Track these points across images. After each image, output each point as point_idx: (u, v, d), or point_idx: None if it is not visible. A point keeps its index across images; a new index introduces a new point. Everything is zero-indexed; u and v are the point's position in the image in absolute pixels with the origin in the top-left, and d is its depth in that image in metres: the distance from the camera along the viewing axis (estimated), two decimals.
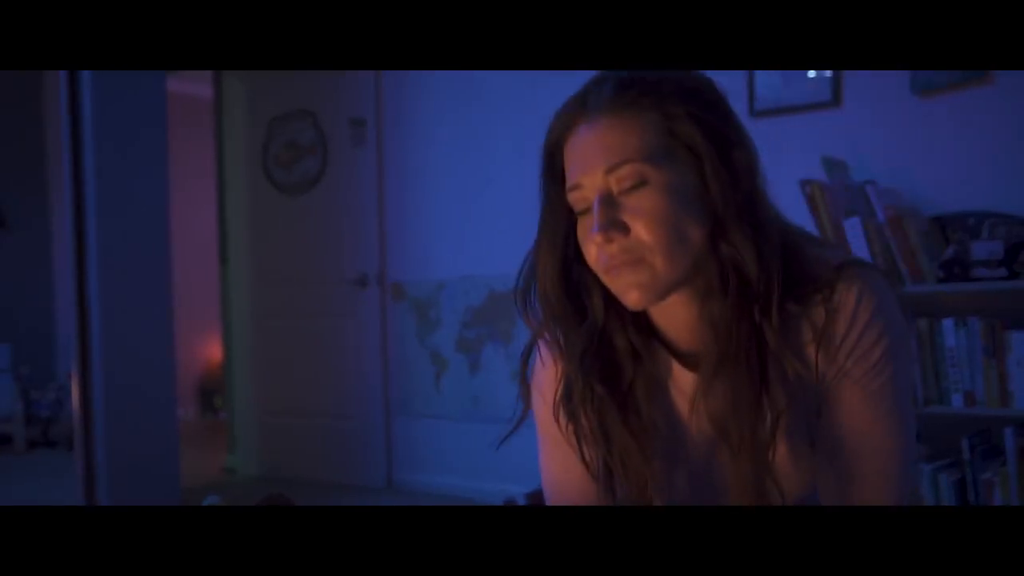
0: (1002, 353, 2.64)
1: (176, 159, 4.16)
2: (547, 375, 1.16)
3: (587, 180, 1.02)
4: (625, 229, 1.00)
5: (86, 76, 3.55)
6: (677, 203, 0.99)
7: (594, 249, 1.03)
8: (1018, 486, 2.59)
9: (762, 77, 3.42)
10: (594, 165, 1.01)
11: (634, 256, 1.00)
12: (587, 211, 1.03)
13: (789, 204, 3.31)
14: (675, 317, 1.08)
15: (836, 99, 3.29)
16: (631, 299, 1.02)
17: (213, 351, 7.36)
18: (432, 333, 4.48)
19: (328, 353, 4.88)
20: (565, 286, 1.08)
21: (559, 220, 1.08)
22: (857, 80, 3.26)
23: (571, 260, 1.08)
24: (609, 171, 1.00)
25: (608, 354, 1.09)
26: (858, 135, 3.23)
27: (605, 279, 1.04)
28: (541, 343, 1.16)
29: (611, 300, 1.07)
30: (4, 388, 6.57)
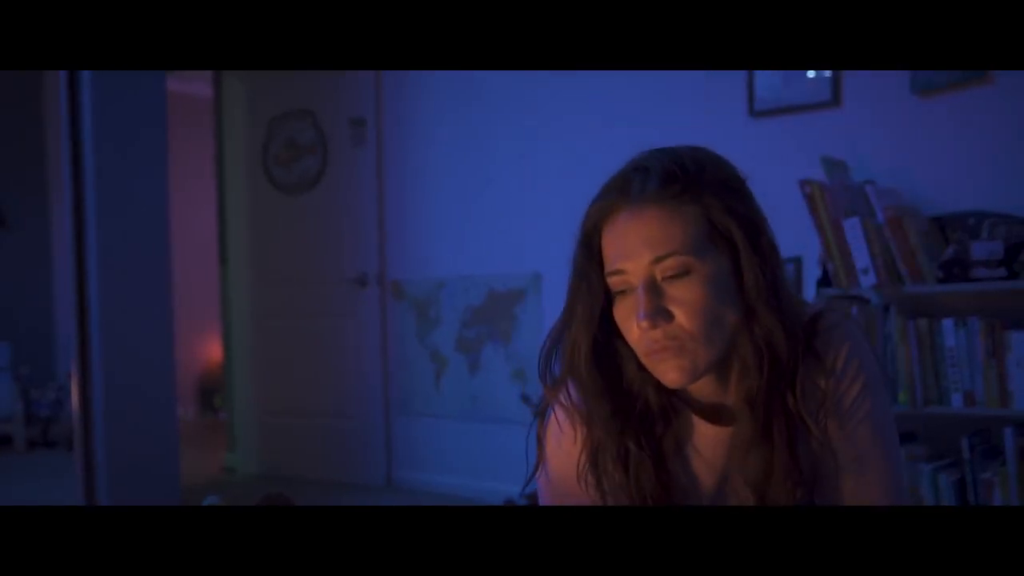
0: (1002, 353, 2.64)
1: (176, 159, 4.16)
2: (565, 439, 1.19)
3: (631, 266, 1.08)
4: (669, 316, 1.07)
5: (86, 76, 3.54)
6: (716, 292, 1.07)
7: (637, 332, 1.09)
8: (1018, 486, 2.60)
9: (762, 77, 3.42)
10: (640, 254, 1.07)
11: (677, 343, 1.07)
12: (626, 292, 1.09)
13: (789, 204, 3.32)
14: (700, 390, 1.15)
15: (836, 99, 3.29)
16: (671, 379, 1.09)
17: (213, 350, 7.35)
18: (432, 332, 4.48)
19: (328, 352, 4.88)
20: (595, 361, 1.14)
21: (595, 299, 1.13)
22: (857, 80, 3.26)
23: (602, 334, 1.14)
24: (656, 261, 1.06)
25: (640, 414, 1.15)
26: (858, 135, 3.23)
27: (646, 361, 1.10)
28: (559, 409, 1.19)
29: (642, 366, 1.13)
30: (4, 388, 6.57)
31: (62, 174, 3.64)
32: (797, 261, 3.33)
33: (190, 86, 6.46)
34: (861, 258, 2.79)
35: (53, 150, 7.04)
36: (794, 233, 3.15)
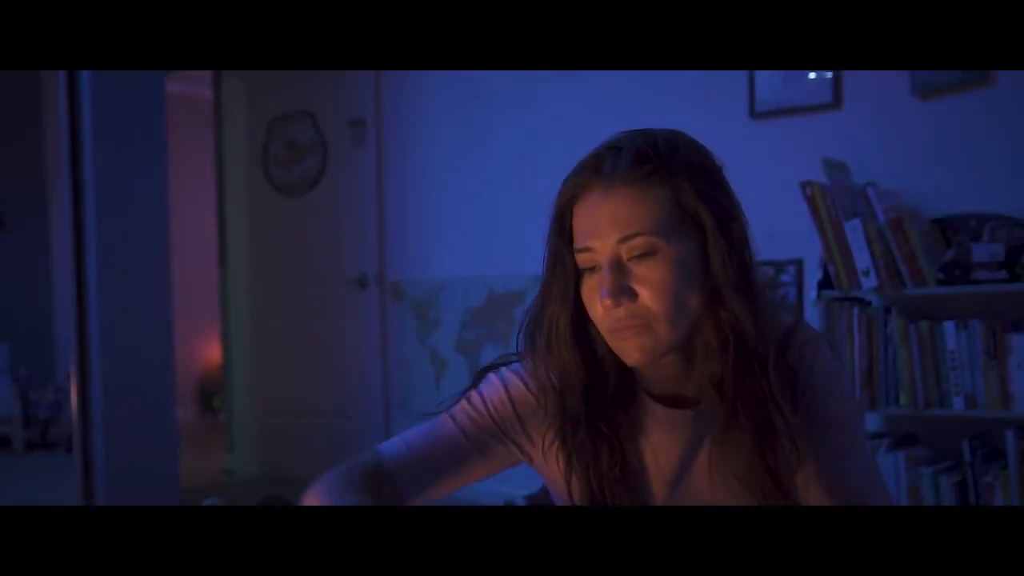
0: (1003, 355, 2.64)
1: (176, 159, 4.15)
2: (520, 397, 1.21)
3: (599, 244, 1.08)
4: (633, 295, 1.07)
5: (85, 76, 3.54)
6: (681, 274, 1.07)
7: (601, 310, 1.09)
8: (1019, 489, 2.59)
9: (762, 78, 3.42)
10: (608, 233, 1.07)
11: (640, 321, 1.07)
12: (593, 270, 1.10)
13: (790, 206, 3.31)
14: (664, 371, 1.15)
15: (837, 100, 3.29)
16: (632, 359, 1.10)
17: (212, 351, 7.35)
18: (432, 333, 4.47)
19: (328, 353, 4.88)
20: (575, 338, 1.14)
21: (568, 276, 1.14)
22: (858, 81, 3.25)
23: (577, 312, 1.14)
24: (622, 240, 1.07)
25: (606, 396, 1.16)
26: (859, 136, 3.22)
27: (608, 338, 1.11)
28: (526, 374, 1.21)
29: (609, 348, 1.14)
30: (3, 389, 6.56)
31: (61, 175, 3.63)
32: (798, 263, 3.33)
33: (190, 87, 6.45)
34: (862, 260, 2.79)
35: (52, 151, 7.04)
36: (795, 235, 3.15)
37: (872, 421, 3.09)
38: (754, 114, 3.45)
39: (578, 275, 1.13)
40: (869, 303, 2.88)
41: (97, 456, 3.52)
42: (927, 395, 2.74)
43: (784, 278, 3.36)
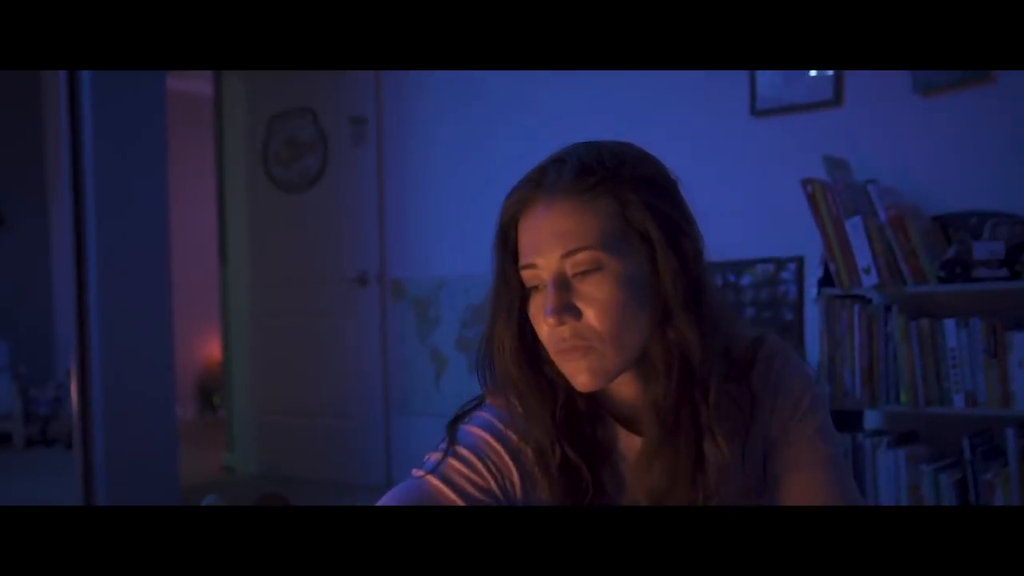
0: (1003, 353, 2.64)
1: (176, 157, 4.15)
2: (498, 440, 1.11)
3: (542, 261, 1.03)
4: (577, 314, 1.02)
5: (85, 75, 3.54)
6: (628, 291, 1.02)
7: (546, 329, 1.04)
8: (1019, 487, 2.59)
9: (763, 76, 3.42)
10: (551, 248, 1.03)
11: (585, 343, 1.02)
12: (538, 287, 1.05)
13: (791, 204, 3.31)
14: (620, 393, 1.10)
15: (838, 98, 3.28)
16: (580, 382, 1.04)
17: (212, 349, 7.35)
18: (432, 331, 4.47)
19: (328, 352, 4.88)
20: (525, 359, 1.09)
21: (513, 295, 1.09)
22: (858, 79, 3.25)
23: (528, 332, 1.09)
24: (565, 255, 1.02)
25: (569, 417, 1.10)
26: (860, 134, 3.22)
27: (555, 359, 1.06)
28: (494, 417, 1.13)
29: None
30: (3, 386, 6.57)
31: (61, 173, 3.63)
32: (799, 261, 3.33)
33: (190, 84, 6.45)
34: (863, 257, 2.78)
35: (52, 149, 7.04)
36: (796, 233, 3.15)
37: (872, 419, 3.10)
38: (755, 112, 3.45)
39: (524, 293, 1.08)
40: (870, 301, 2.88)
41: (97, 453, 3.52)
42: (927, 393, 2.73)
43: (784, 275, 3.36)
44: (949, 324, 2.70)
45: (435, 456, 1.12)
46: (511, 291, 1.09)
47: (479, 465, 1.10)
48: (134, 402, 3.63)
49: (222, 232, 5.34)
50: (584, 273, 1.02)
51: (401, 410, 4.59)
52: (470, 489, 1.09)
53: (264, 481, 4.91)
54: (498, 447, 1.11)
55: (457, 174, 4.38)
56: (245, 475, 5.14)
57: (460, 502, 1.08)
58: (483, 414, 1.14)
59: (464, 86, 4.30)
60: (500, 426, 1.12)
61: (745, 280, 3.43)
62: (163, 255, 3.78)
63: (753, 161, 3.45)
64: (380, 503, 1.10)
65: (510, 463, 1.11)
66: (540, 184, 1.05)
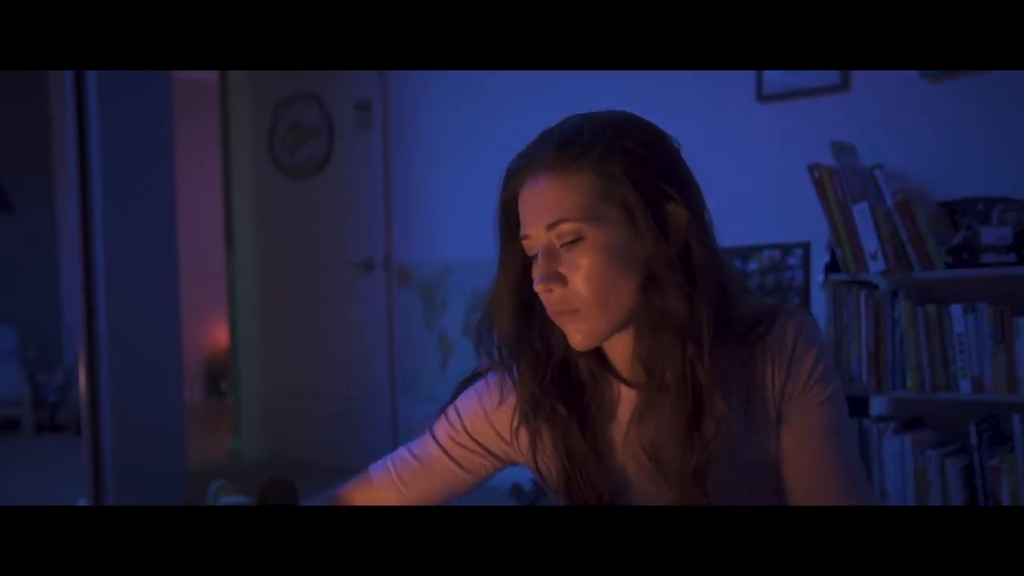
0: (1010, 339, 2.63)
1: (182, 142, 4.15)
2: (490, 400, 1.25)
3: (533, 232, 1.12)
4: (563, 280, 1.09)
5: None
6: (611, 258, 1.08)
7: (542, 295, 1.12)
8: None
9: None
10: (538, 220, 1.11)
11: (571, 306, 1.09)
12: (535, 256, 1.13)
13: (798, 189, 3.29)
14: (621, 349, 1.16)
15: (845, 83, 3.27)
16: (575, 342, 1.12)
17: (219, 335, 7.37)
18: (438, 316, 4.48)
19: (334, 337, 4.89)
20: (523, 321, 1.18)
21: (515, 262, 1.18)
22: None
23: (528, 298, 1.17)
24: (549, 227, 1.09)
25: (568, 377, 1.18)
26: (867, 119, 3.21)
27: (555, 321, 1.14)
28: (492, 377, 1.25)
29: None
30: (11, 372, 6.59)
31: (67, 156, 3.63)
32: (805, 246, 3.32)
33: (196, 71, 6.44)
34: (870, 243, 2.78)
35: (58, 134, 7.05)
36: (803, 218, 3.14)
37: (879, 404, 3.09)
38: (762, 97, 3.44)
39: (526, 261, 1.16)
40: (876, 286, 2.87)
41: (105, 439, 3.53)
42: (934, 378, 2.73)
43: (791, 261, 3.36)
44: (956, 310, 2.70)
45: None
46: (513, 259, 1.18)
47: (456, 419, 1.27)
48: (142, 388, 3.64)
49: (228, 217, 5.35)
50: (569, 243, 1.09)
51: (408, 395, 4.60)
52: (445, 438, 1.28)
53: (271, 465, 4.93)
54: (477, 406, 1.26)
55: (463, 159, 4.37)
56: (252, 459, 5.16)
57: (437, 448, 1.27)
58: (483, 380, 1.27)
59: (469, 71, 4.29)
60: (490, 385, 1.25)
61: (751, 266, 3.43)
62: (170, 240, 3.79)
63: (760, 146, 3.44)
64: (395, 455, 1.32)
65: (487, 422, 1.25)
66: (531, 159, 1.13)
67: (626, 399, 1.18)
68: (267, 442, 5.16)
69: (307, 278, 4.99)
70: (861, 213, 2.78)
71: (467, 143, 4.36)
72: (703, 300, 1.08)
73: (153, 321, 3.71)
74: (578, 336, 1.10)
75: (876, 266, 2.78)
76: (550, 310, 1.11)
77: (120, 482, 3.53)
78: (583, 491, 1.16)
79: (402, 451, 1.31)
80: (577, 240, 1.08)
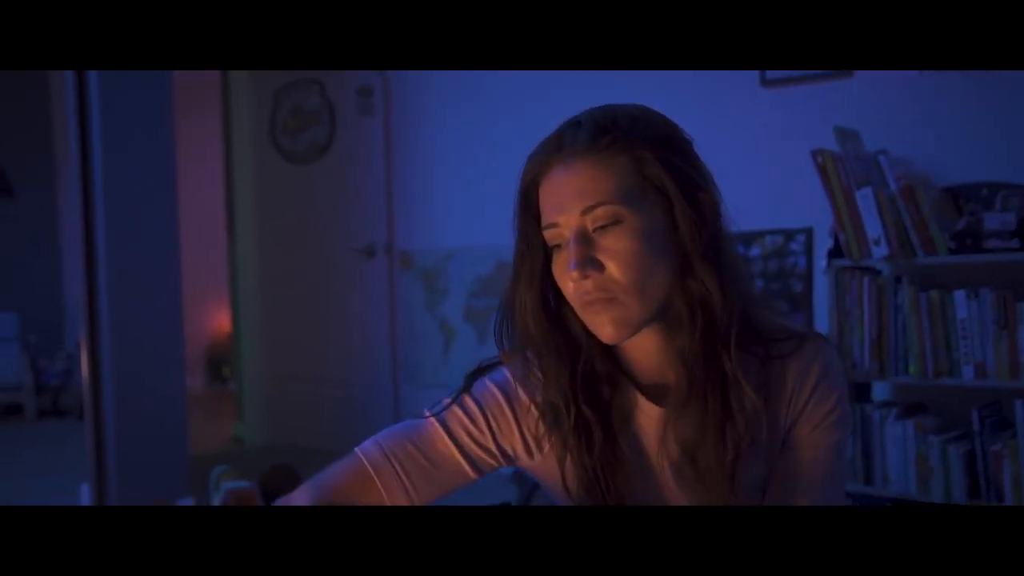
0: (1013, 325, 2.63)
1: (183, 128, 4.14)
2: (518, 404, 1.17)
3: (563, 219, 1.07)
4: (600, 266, 1.06)
5: None
6: (648, 243, 1.06)
7: (571, 285, 1.08)
8: None
9: None
10: (572, 206, 1.07)
11: (608, 294, 1.06)
12: (561, 246, 1.09)
13: (801, 174, 3.28)
14: (644, 349, 1.14)
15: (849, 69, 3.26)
16: (606, 334, 1.08)
17: (221, 320, 7.37)
18: (440, 302, 4.48)
19: (336, 323, 4.89)
20: (546, 317, 1.14)
21: (536, 255, 1.13)
22: None
23: (549, 293, 1.14)
24: (585, 212, 1.06)
25: (588, 378, 1.14)
26: (871, 105, 3.20)
27: (581, 314, 1.10)
28: (510, 375, 1.18)
29: (588, 329, 1.12)
30: (13, 357, 6.60)
31: (69, 142, 3.63)
32: (809, 232, 3.31)
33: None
34: (873, 228, 2.77)
35: (59, 119, 7.03)
36: (806, 203, 3.13)
37: (881, 390, 3.09)
38: (765, 82, 3.43)
39: (547, 254, 1.12)
40: (880, 272, 2.87)
41: (108, 424, 3.54)
42: (937, 364, 2.73)
43: (794, 247, 3.35)
44: (959, 295, 2.69)
45: (446, 401, 1.18)
46: (533, 252, 1.13)
47: (480, 420, 1.16)
48: (144, 374, 3.64)
49: (230, 203, 5.34)
50: (604, 227, 1.06)
51: (409, 381, 4.60)
52: (465, 439, 1.16)
53: (272, 451, 4.94)
54: (506, 407, 1.17)
55: (465, 145, 4.36)
56: (254, 445, 5.17)
57: (453, 448, 1.15)
58: (504, 371, 1.19)
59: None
60: (515, 385, 1.17)
61: (754, 251, 3.42)
62: (172, 226, 3.78)
63: (763, 132, 3.43)
64: (381, 434, 1.17)
65: (514, 426, 1.17)
66: (559, 148, 1.09)
67: (642, 406, 1.15)
68: (269, 428, 5.17)
69: (309, 264, 4.99)
70: (864, 199, 2.77)
71: (469, 129, 4.35)
72: (735, 288, 1.08)
73: (155, 307, 3.71)
74: (610, 327, 1.07)
75: (879, 252, 2.77)
76: (582, 299, 1.07)
77: (122, 468, 3.53)
78: (605, 494, 1.14)
79: (401, 440, 1.16)
80: (613, 224, 1.05)
